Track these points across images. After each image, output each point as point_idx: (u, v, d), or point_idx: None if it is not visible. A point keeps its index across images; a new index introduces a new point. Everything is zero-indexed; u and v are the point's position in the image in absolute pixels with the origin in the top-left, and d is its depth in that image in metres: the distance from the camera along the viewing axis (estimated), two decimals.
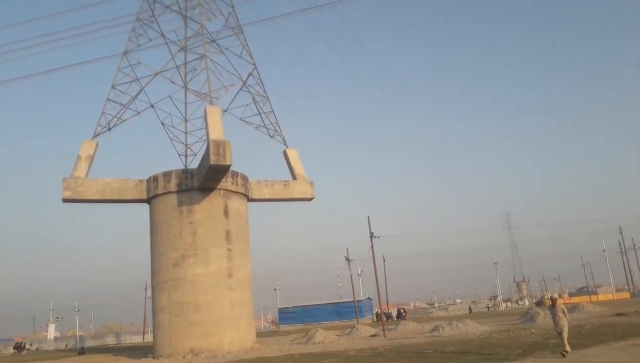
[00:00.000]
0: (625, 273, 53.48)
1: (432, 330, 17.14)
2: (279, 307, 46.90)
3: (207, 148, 15.27)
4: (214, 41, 19.92)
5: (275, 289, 51.20)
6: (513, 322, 20.29)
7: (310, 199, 21.79)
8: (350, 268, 29.03)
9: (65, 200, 17.70)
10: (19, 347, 36.63)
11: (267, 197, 20.73)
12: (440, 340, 13.69)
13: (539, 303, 47.09)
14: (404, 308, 43.38)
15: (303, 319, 40.03)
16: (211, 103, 16.27)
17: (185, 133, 23.53)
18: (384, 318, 23.84)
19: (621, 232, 51.18)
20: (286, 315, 43.28)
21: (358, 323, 23.87)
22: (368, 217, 18.25)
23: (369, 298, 43.76)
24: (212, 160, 14.73)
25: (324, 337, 17.20)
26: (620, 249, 50.60)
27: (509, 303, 64.19)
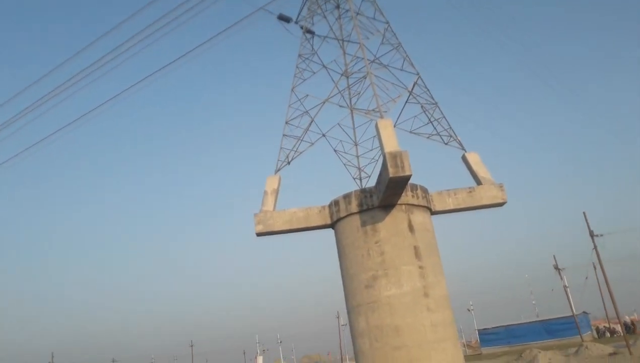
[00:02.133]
0: None
1: None
2: (476, 328, 43.80)
3: (384, 162, 14.73)
4: (375, 60, 19.68)
5: (469, 309, 48.27)
6: None
7: (501, 204, 19.70)
8: (562, 278, 25.44)
9: (258, 234, 18.75)
10: None
11: (451, 207, 19.30)
12: None
13: None
14: (632, 320, 36.70)
15: (508, 340, 36.44)
16: (381, 117, 15.80)
17: (357, 156, 23.62)
18: (625, 333, 19.94)
19: None
20: (487, 336, 39.97)
21: (583, 341, 20.47)
22: (584, 213, 15.58)
23: (584, 312, 38.16)
24: (391, 172, 14.10)
25: (549, 359, 14.88)
26: None
27: None
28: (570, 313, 27.74)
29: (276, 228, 18.57)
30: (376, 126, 15.47)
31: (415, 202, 17.69)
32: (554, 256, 27.39)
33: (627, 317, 40.75)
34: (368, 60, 17.85)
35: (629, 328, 32.64)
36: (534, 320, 39.58)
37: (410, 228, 17.33)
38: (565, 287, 24.55)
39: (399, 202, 17.10)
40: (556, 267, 26.94)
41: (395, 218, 17.32)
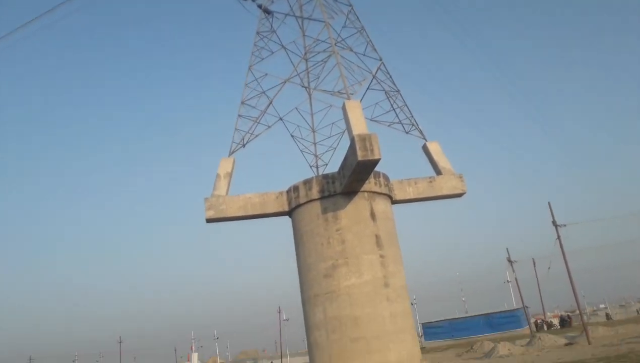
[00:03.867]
0: None
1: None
2: (419, 321, 44.34)
3: (352, 144, 13.96)
4: (339, 41, 18.86)
5: (412, 303, 48.87)
6: None
7: (461, 195, 19.53)
8: (513, 271, 25.85)
9: (209, 220, 17.49)
10: None
11: (411, 196, 18.90)
12: None
13: None
14: (569, 315, 38.33)
15: (452, 334, 37.02)
16: (348, 98, 15.01)
17: (314, 143, 22.80)
18: (586, 324, 20.27)
19: None
20: (431, 330, 40.44)
21: (532, 332, 20.74)
22: (549, 203, 15.54)
23: (525, 306, 39.49)
24: (360, 155, 13.34)
25: (509, 350, 14.70)
26: None
27: None
28: (511, 308, 28.49)
29: (229, 214, 17.37)
30: (343, 107, 14.66)
31: (377, 189, 17.09)
32: (506, 249, 28.06)
33: (563, 312, 42.85)
34: (333, 40, 16.99)
35: (565, 322, 34.12)
36: (476, 314, 40.64)
37: (372, 216, 16.71)
38: (507, 281, 25.23)
39: (361, 189, 16.44)
40: (509, 260, 27.46)
41: (358, 205, 16.63)
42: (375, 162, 13.83)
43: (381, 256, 16.43)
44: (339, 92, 15.61)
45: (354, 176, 14.74)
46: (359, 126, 13.97)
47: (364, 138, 13.53)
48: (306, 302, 17.13)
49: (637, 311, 49.36)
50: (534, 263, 35.34)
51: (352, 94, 15.28)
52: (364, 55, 20.02)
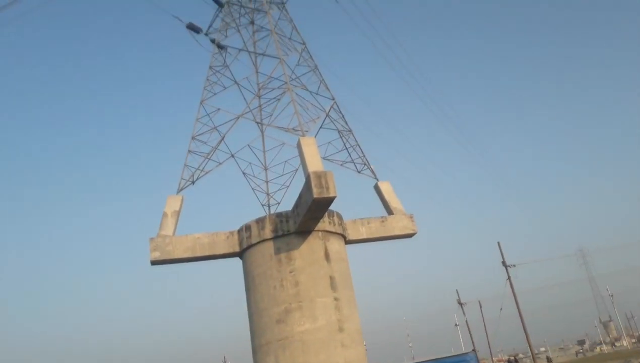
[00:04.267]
0: None
1: None
2: None
3: (307, 182, 13.58)
4: (293, 79, 18.75)
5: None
6: None
7: (411, 235, 19.44)
8: (464, 313, 25.70)
9: (154, 262, 16.37)
10: None
11: (364, 236, 18.57)
12: None
13: None
14: (514, 357, 38.68)
15: None
16: (303, 135, 14.73)
17: (267, 182, 22.28)
18: None
19: None
20: None
21: None
22: (499, 243, 15.61)
23: (473, 350, 39.44)
24: (315, 193, 12.95)
25: None
26: None
27: (603, 347, 56.46)
28: (460, 352, 28.34)
29: (176, 256, 16.30)
30: (299, 144, 14.32)
31: (332, 229, 16.64)
32: (456, 290, 28.03)
33: (510, 356, 43.12)
34: (288, 76, 16.83)
35: None
36: (425, 359, 40.00)
37: (327, 256, 16.17)
38: (456, 324, 25.03)
39: (315, 228, 15.95)
40: (459, 302, 27.42)
41: (312, 245, 16.06)
42: (330, 200, 13.47)
43: (335, 299, 15.84)
44: (293, 128, 15.33)
45: (309, 214, 14.29)
46: (315, 163, 13.65)
47: (319, 175, 13.19)
48: (257, 351, 16.09)
49: (577, 353, 50.77)
50: (480, 305, 35.73)
51: (306, 131, 15.02)
52: (317, 94, 20.03)
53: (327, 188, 13.11)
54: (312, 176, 13.12)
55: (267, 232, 16.04)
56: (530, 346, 18.36)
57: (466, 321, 25.16)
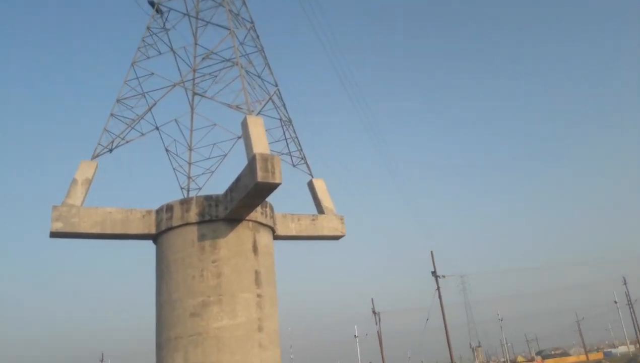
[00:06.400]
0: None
1: None
2: None
3: (250, 164, 12.37)
4: (241, 55, 17.39)
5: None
6: None
7: (339, 237, 18.80)
8: (377, 322, 25.34)
9: (54, 234, 14.15)
10: None
11: (293, 233, 17.60)
12: None
13: None
14: None
15: None
16: (249, 113, 13.49)
17: (190, 163, 20.52)
18: None
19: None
20: None
21: None
22: (432, 252, 15.37)
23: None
24: (260, 176, 11.79)
25: None
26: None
27: None
28: None
29: (82, 230, 14.15)
30: (245, 122, 13.07)
31: (263, 220, 15.45)
32: (372, 299, 27.66)
33: None
34: (237, 49, 15.48)
35: None
36: None
37: (255, 249, 14.94)
38: (378, 333, 24.65)
39: (247, 217, 14.68)
40: (374, 311, 27.15)
41: (240, 235, 14.74)
42: (274, 186, 12.36)
43: (259, 295, 14.65)
44: (237, 106, 13.99)
45: (246, 200, 13.06)
46: (261, 145, 12.49)
47: (266, 158, 12.05)
48: (163, 346, 14.36)
49: None
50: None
51: (251, 111, 13.78)
52: (259, 78, 18.80)
53: (273, 174, 12.01)
54: (258, 158, 11.94)
55: (192, 216, 14.47)
56: (451, 357, 18.61)
57: (378, 332, 24.83)
